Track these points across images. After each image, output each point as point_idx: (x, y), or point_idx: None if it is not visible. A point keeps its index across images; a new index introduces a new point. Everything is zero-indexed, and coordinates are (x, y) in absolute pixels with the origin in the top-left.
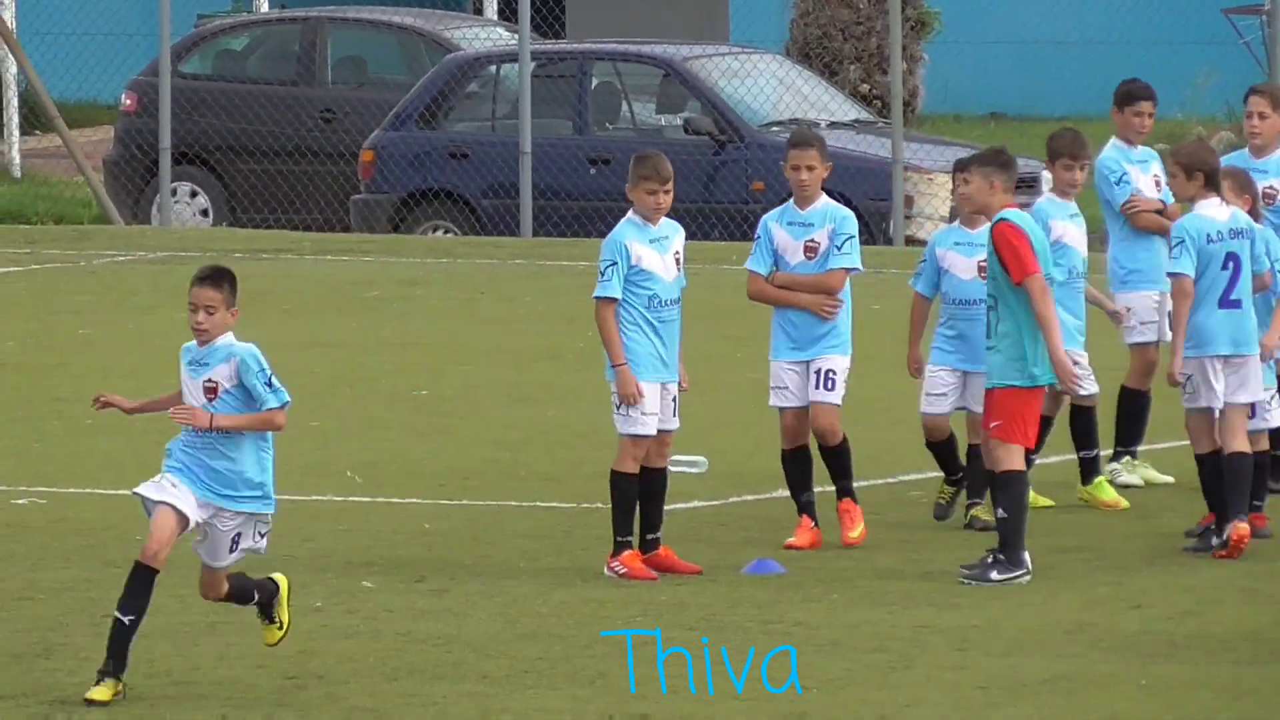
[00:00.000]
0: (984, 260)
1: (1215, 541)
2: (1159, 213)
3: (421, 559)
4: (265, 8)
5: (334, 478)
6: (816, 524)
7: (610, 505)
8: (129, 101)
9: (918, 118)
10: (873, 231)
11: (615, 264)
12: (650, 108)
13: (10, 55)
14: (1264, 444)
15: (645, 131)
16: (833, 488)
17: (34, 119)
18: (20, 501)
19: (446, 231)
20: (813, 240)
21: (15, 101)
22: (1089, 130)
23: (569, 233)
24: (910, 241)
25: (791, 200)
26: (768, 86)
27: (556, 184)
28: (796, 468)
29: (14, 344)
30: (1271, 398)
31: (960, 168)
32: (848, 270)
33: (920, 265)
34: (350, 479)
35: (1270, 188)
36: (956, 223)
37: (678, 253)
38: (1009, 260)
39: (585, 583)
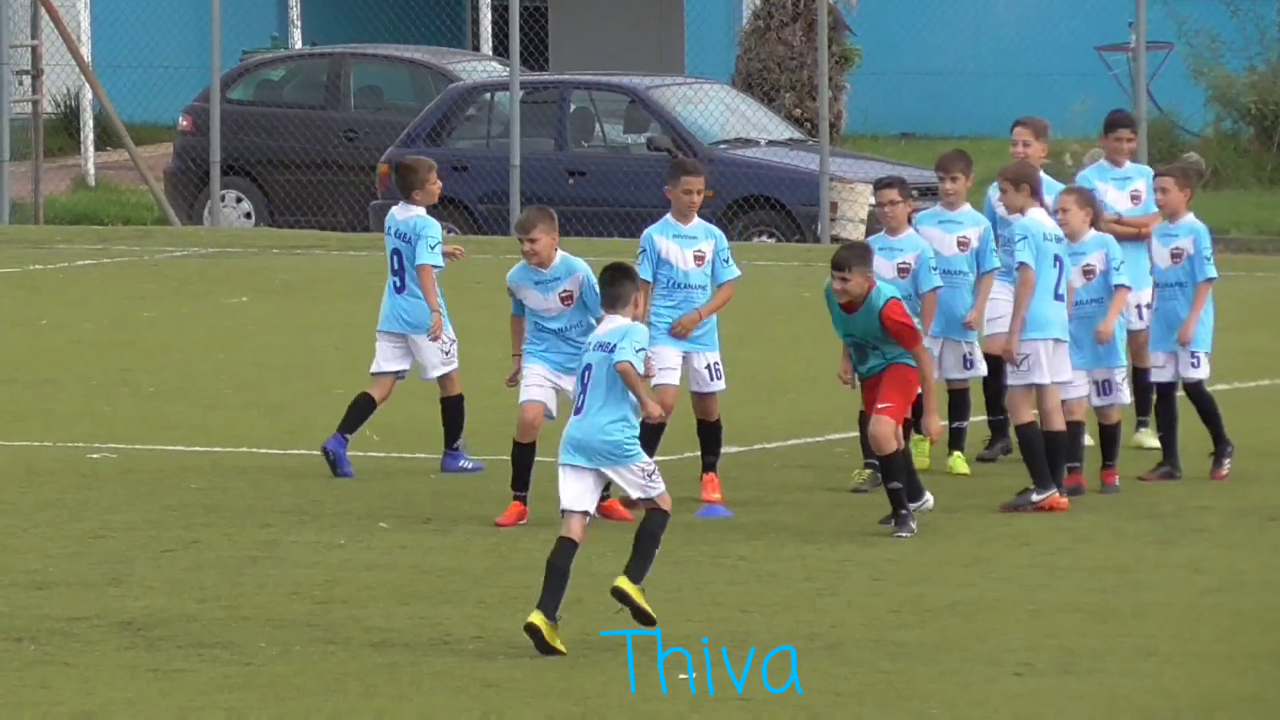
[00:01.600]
0: (903, 262)
1: (1035, 498)
2: (1118, 223)
3: (429, 505)
4: (299, 45)
5: (356, 437)
6: None
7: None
8: (185, 123)
9: (842, 137)
10: (804, 231)
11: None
12: (619, 128)
13: (87, 84)
14: (1115, 417)
15: (615, 149)
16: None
17: (106, 137)
18: (95, 456)
19: (449, 231)
20: (699, 250)
21: (91, 123)
22: (983, 148)
23: None
24: (835, 239)
25: (669, 216)
26: (717, 111)
27: (540, 192)
28: (652, 437)
29: (90, 325)
30: (1123, 378)
31: (880, 186)
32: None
33: None
34: (369, 438)
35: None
36: (882, 232)
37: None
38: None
39: None
